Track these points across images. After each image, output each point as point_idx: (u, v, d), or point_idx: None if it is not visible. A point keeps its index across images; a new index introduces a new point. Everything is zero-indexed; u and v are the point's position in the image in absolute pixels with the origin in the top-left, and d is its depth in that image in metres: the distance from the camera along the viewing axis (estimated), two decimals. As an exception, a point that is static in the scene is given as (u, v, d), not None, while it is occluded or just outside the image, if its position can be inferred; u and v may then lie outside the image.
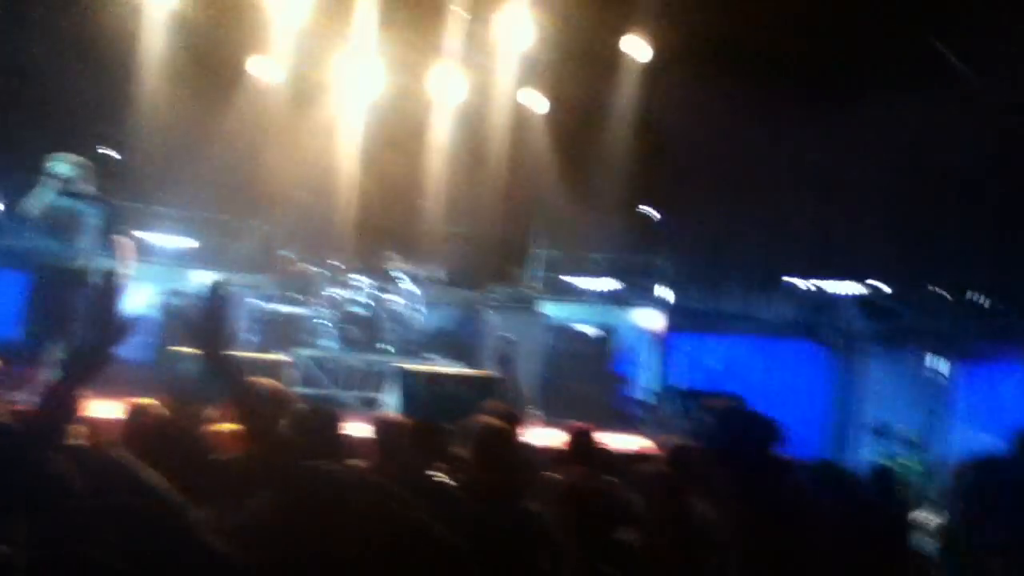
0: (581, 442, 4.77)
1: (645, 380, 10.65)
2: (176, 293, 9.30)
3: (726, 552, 2.78)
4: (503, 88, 11.05)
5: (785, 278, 11.89)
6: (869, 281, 11.38)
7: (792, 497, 2.93)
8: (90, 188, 6.22)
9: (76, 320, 5.85)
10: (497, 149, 11.10)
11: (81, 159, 6.24)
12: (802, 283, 11.84)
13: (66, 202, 6.09)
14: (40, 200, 6.06)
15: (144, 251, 10.76)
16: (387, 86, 10.75)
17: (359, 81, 10.60)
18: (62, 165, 6.10)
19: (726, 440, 3.37)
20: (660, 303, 11.13)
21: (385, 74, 10.67)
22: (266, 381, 4.08)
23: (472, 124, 11.15)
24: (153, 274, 10.02)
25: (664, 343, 10.90)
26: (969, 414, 10.01)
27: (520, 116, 11.41)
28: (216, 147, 10.45)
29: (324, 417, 3.65)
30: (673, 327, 11.06)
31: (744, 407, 4.15)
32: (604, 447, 4.91)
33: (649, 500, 3.30)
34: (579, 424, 5.27)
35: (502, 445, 3.76)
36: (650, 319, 10.95)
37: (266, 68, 10.64)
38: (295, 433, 3.42)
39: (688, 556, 2.97)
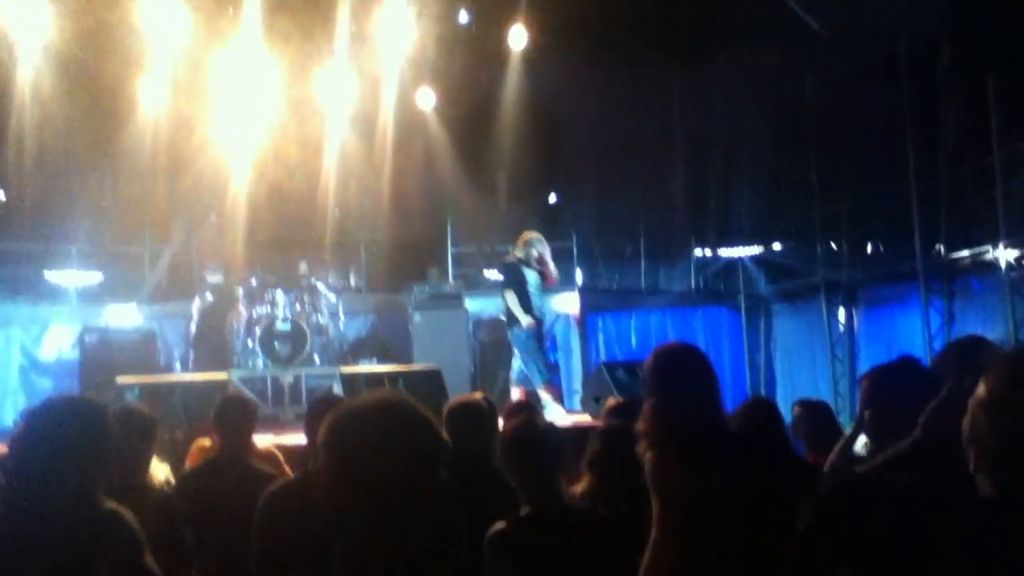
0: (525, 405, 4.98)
1: (569, 361, 10.97)
2: (90, 330, 9.08)
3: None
4: (397, 89, 11.12)
5: (688, 248, 12.40)
6: (765, 242, 11.98)
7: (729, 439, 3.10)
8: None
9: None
10: (398, 150, 11.18)
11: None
12: (705, 251, 12.36)
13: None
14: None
15: (52, 293, 10.47)
16: (280, 97, 10.64)
17: (251, 94, 10.47)
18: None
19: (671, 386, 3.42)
20: (573, 286, 11.43)
21: (276, 85, 10.56)
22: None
23: (370, 127, 11.18)
24: (66, 313, 9.77)
25: (581, 324, 11.22)
26: (871, 355, 10.68)
27: (417, 115, 11.52)
28: (113, 177, 10.20)
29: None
30: (588, 307, 11.39)
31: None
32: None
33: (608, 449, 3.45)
34: (518, 399, 5.52)
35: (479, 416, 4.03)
36: (565, 303, 11.24)
37: (153, 90, 10.39)
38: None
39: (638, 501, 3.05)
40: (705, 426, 2.85)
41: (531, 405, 5.76)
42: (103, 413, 2.49)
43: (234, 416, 3.97)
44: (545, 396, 7.70)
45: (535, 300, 7.88)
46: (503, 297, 7.94)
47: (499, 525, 2.67)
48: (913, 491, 2.00)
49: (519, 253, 8.01)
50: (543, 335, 8.38)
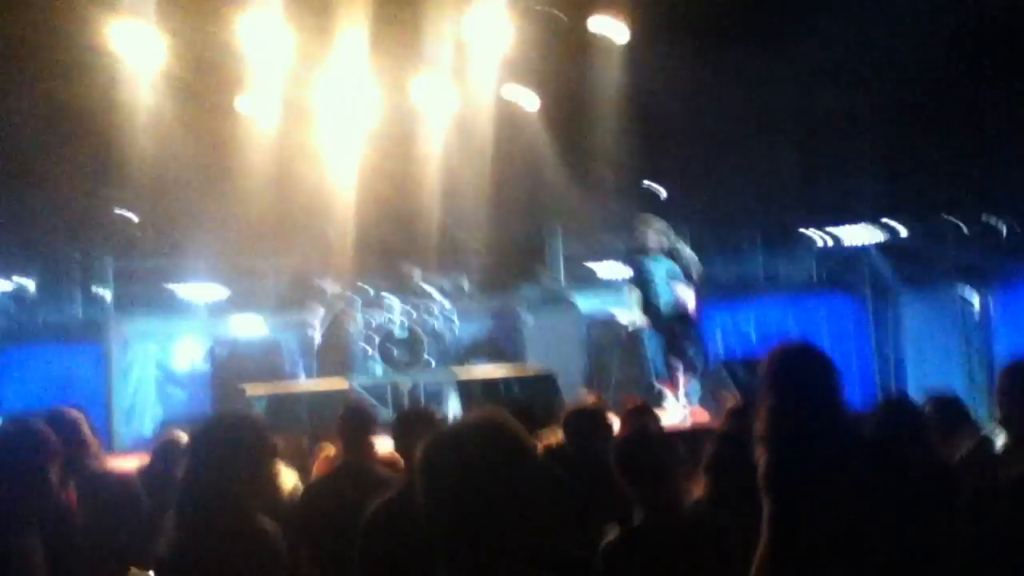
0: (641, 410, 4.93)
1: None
2: (220, 342, 9.49)
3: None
4: (496, 91, 11.14)
5: (804, 232, 11.97)
6: (887, 223, 11.45)
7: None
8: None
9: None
10: (501, 152, 11.20)
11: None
12: (822, 236, 11.91)
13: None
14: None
15: (183, 307, 11.00)
16: (380, 106, 10.82)
17: (354, 105, 10.69)
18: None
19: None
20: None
21: (377, 95, 10.74)
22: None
23: (471, 131, 11.24)
24: (196, 327, 10.21)
25: (697, 316, 10.97)
26: (1009, 344, 10.08)
27: (519, 116, 11.52)
28: (228, 192, 10.59)
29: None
30: (702, 299, 11.12)
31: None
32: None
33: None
34: (632, 398, 5.47)
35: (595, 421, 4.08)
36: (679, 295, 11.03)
37: (258, 106, 10.70)
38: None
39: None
40: (824, 429, 2.74)
41: (647, 408, 5.64)
42: (265, 430, 2.56)
43: (355, 425, 4.08)
44: (668, 392, 7.56)
45: (659, 289, 7.57)
46: None
47: (612, 535, 2.64)
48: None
49: (638, 244, 7.75)
50: (673, 328, 8.01)
